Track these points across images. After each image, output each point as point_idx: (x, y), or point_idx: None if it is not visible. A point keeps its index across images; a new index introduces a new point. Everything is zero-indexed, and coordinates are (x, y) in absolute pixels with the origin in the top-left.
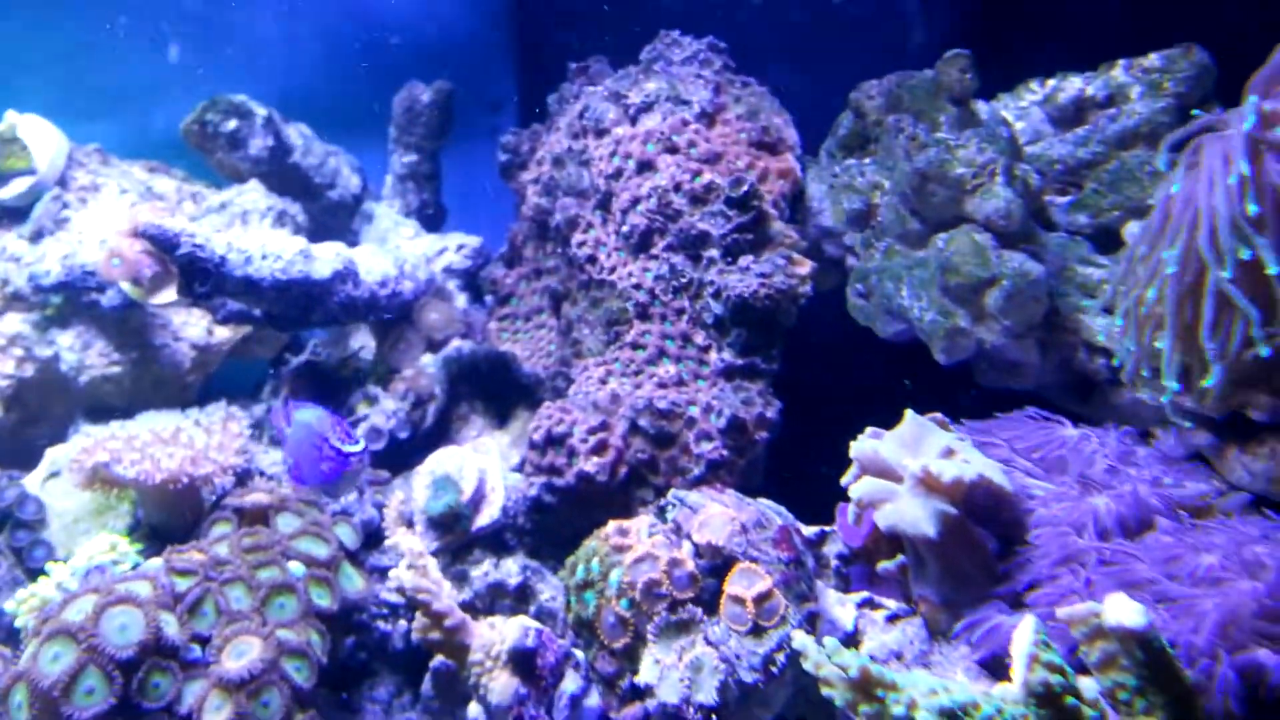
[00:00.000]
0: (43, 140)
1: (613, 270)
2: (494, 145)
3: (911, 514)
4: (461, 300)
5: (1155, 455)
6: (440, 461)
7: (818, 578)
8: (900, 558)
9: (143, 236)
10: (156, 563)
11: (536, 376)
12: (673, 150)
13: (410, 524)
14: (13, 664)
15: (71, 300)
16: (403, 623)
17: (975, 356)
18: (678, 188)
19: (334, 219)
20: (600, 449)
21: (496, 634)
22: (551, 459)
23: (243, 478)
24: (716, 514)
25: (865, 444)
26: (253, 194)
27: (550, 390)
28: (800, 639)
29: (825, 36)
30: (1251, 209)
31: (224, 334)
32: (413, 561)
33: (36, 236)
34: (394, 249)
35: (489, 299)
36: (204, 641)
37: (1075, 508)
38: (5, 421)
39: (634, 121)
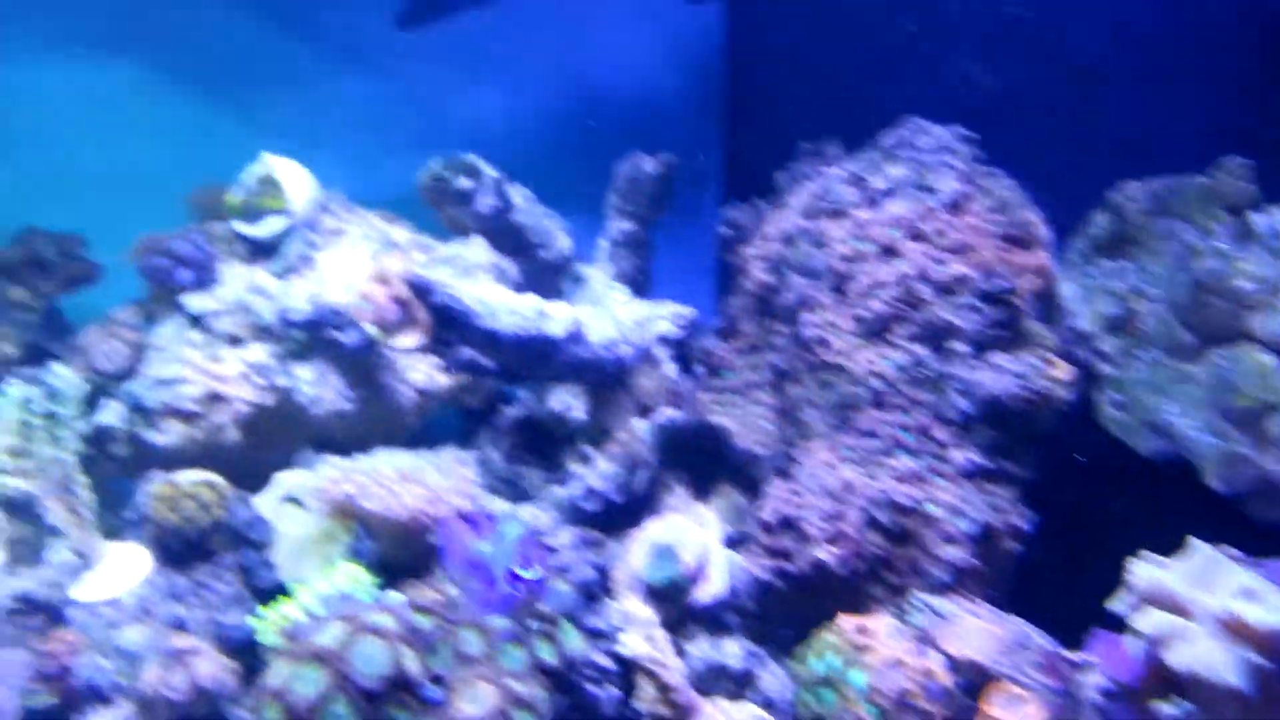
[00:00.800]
0: (296, 184)
1: (845, 354)
2: (698, 217)
3: (1213, 660)
4: (671, 368)
5: None
6: (661, 531)
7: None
8: (1183, 702)
9: (407, 284)
10: (399, 597)
11: (750, 453)
12: (918, 238)
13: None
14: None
15: (314, 337)
16: (612, 688)
17: (1255, 489)
18: (923, 276)
19: (542, 277)
20: (837, 539)
21: (725, 718)
22: (783, 542)
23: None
24: (973, 627)
25: (1147, 572)
26: (477, 249)
27: (770, 470)
28: None
29: (1071, 132)
30: None
31: (444, 380)
32: (646, 631)
33: (285, 274)
34: (611, 313)
35: (699, 369)
36: (437, 681)
37: None
38: (241, 446)
39: (875, 206)
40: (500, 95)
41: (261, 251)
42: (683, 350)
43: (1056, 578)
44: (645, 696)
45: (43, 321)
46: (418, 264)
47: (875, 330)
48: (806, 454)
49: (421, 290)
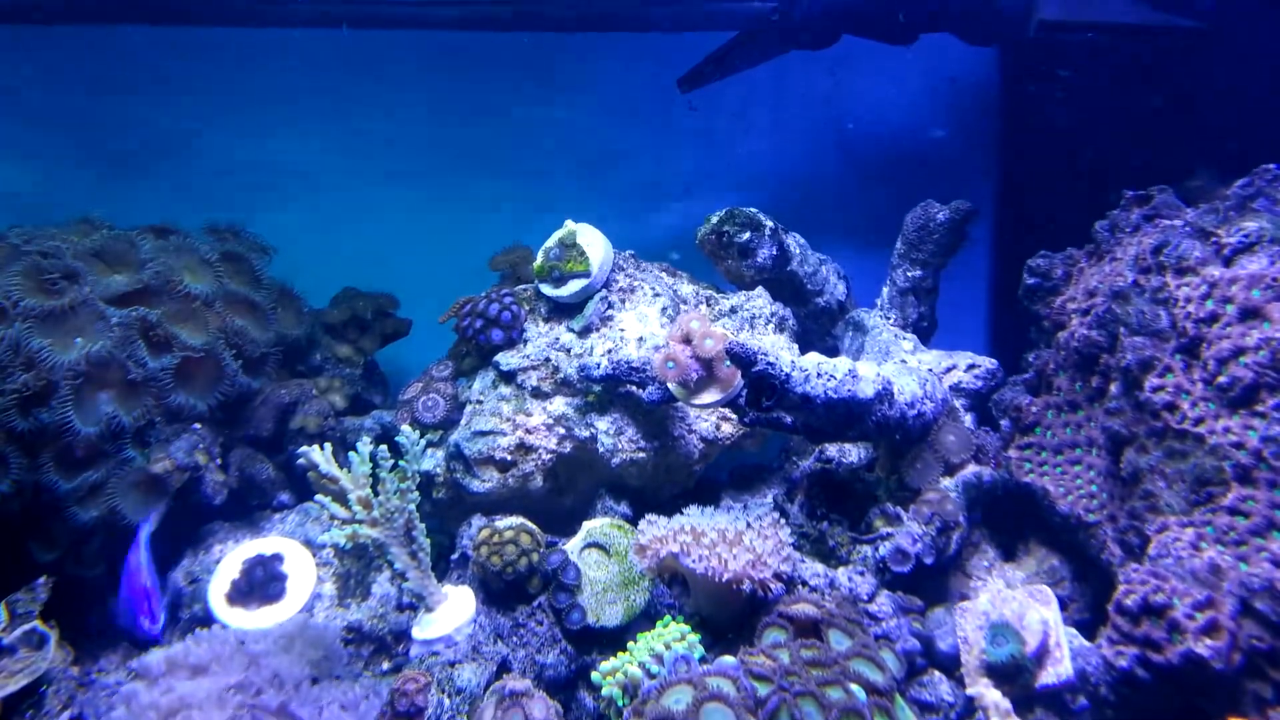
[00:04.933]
0: (594, 246)
1: (1199, 422)
2: (968, 260)
3: None
4: (967, 420)
5: None
6: (997, 604)
7: None
8: None
9: (729, 354)
10: (730, 660)
11: (1076, 516)
12: None
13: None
14: None
15: (610, 390)
16: None
17: None
18: None
19: (817, 323)
20: (1212, 629)
21: None
22: (1148, 630)
23: (790, 585)
24: None
25: None
26: (759, 300)
27: (1113, 541)
28: None
29: None
30: None
31: (728, 429)
32: (1000, 713)
33: (585, 331)
34: (913, 367)
35: (1005, 424)
36: None
37: None
38: (544, 490)
39: (1228, 263)
40: (780, 142)
41: (562, 310)
42: (982, 402)
43: None
44: None
45: (364, 374)
46: (710, 318)
47: (1238, 399)
48: (1161, 529)
49: (743, 360)
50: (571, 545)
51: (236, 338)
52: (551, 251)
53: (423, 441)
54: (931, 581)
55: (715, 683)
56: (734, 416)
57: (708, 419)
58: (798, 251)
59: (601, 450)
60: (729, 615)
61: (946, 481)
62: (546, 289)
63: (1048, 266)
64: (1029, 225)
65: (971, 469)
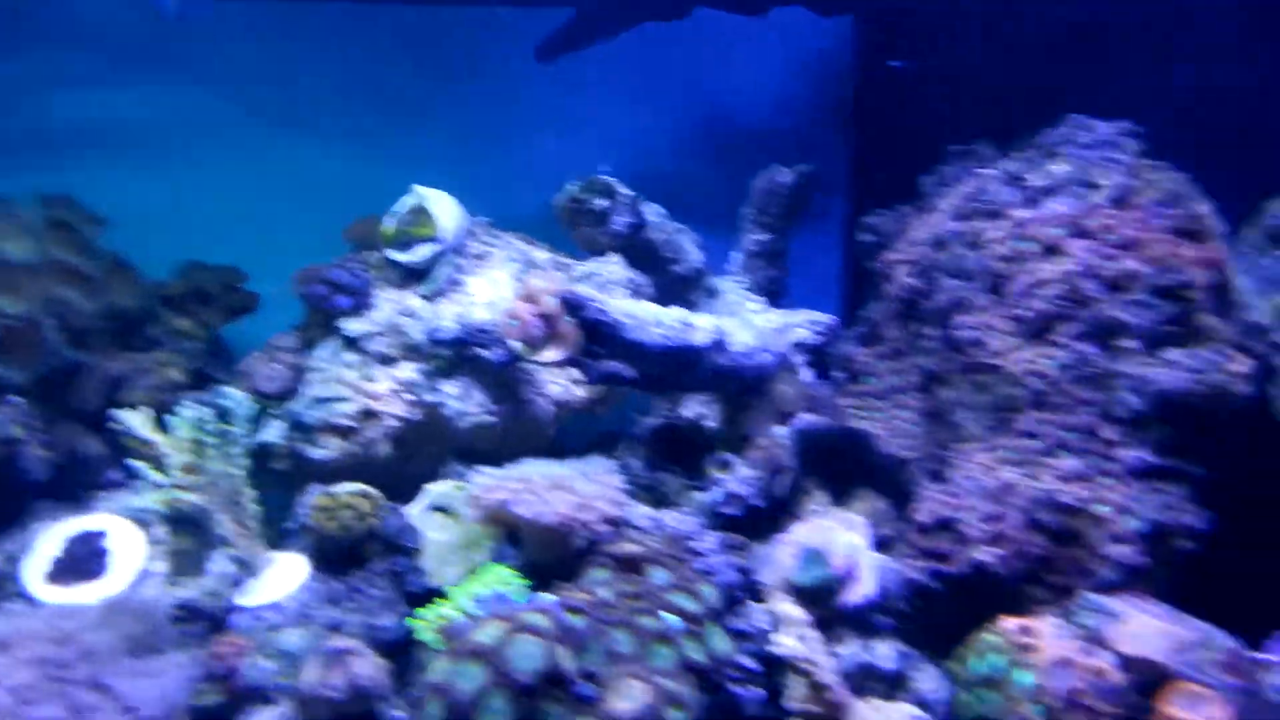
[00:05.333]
0: (445, 211)
1: (1005, 355)
2: (825, 224)
3: None
4: (808, 376)
5: None
6: (808, 534)
7: None
8: None
9: (560, 300)
10: (551, 598)
11: (896, 458)
12: (1083, 235)
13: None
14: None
15: (459, 354)
16: (756, 689)
17: None
18: (1089, 273)
19: (675, 292)
20: (996, 539)
21: (880, 717)
22: (939, 544)
23: (618, 527)
24: (1148, 625)
25: None
26: (614, 266)
27: (922, 473)
28: None
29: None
30: None
31: (580, 393)
32: (799, 631)
33: (434, 296)
34: (749, 322)
35: (838, 375)
36: (590, 678)
37: None
38: (390, 458)
39: (1036, 204)
40: (635, 115)
41: (412, 276)
42: (820, 357)
43: (1234, 578)
44: (797, 695)
45: (208, 350)
46: (560, 282)
47: (1036, 331)
48: (963, 456)
49: (574, 306)
50: (414, 509)
51: (62, 308)
52: (400, 217)
53: (257, 407)
54: (764, 524)
55: (529, 617)
56: (585, 378)
57: (559, 382)
58: (655, 220)
59: (449, 415)
60: (560, 561)
61: (780, 430)
62: (395, 255)
63: (881, 224)
64: (881, 193)
65: (806, 418)
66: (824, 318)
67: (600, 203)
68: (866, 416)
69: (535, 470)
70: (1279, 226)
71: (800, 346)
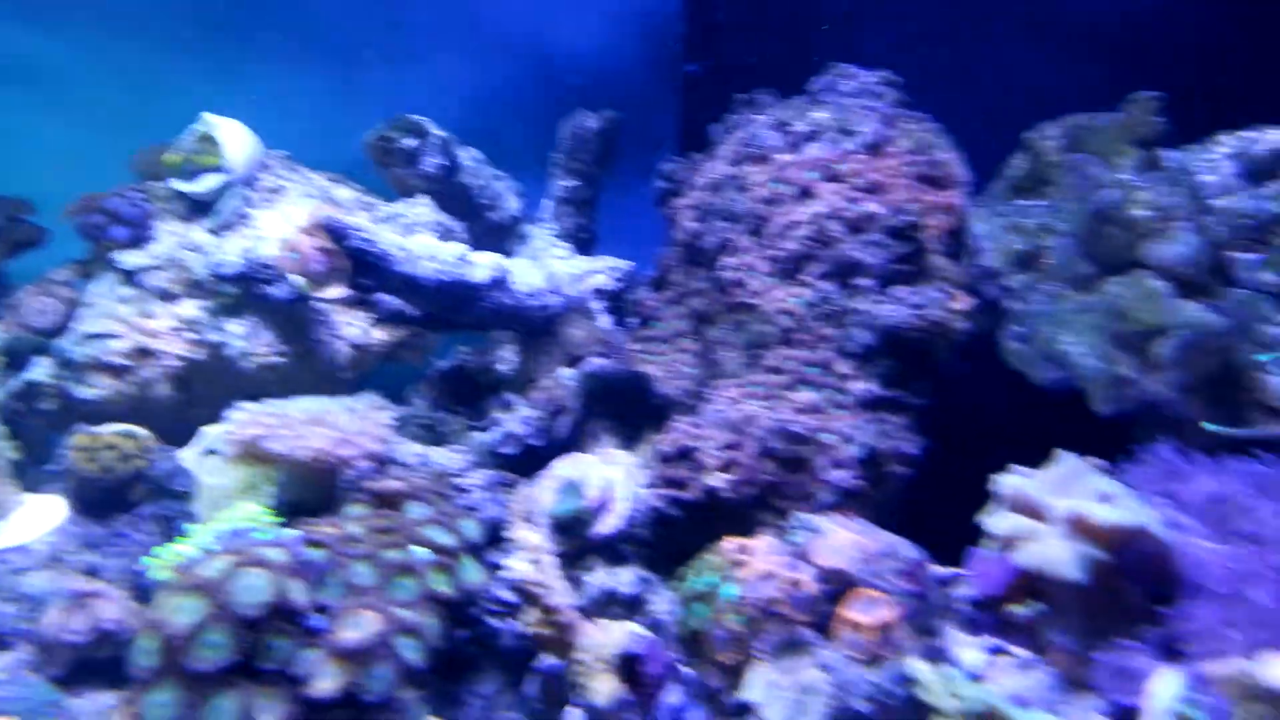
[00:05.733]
0: (235, 141)
1: (761, 294)
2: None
3: (1056, 556)
4: (606, 321)
5: None
6: (569, 468)
7: (945, 621)
8: (1036, 604)
9: (319, 228)
10: (293, 533)
11: (670, 398)
12: (834, 178)
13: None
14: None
15: (245, 291)
16: (515, 621)
17: (1138, 412)
18: (835, 215)
19: (492, 239)
20: (729, 466)
21: (605, 637)
22: (678, 472)
23: (382, 464)
24: (844, 539)
25: (1012, 481)
26: (422, 209)
27: (684, 409)
28: (921, 668)
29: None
30: None
31: (380, 336)
32: (532, 556)
33: (220, 230)
34: (540, 263)
35: (633, 321)
36: (323, 610)
37: (1242, 565)
38: (172, 400)
39: (797, 149)
40: (461, 62)
41: (199, 209)
42: (619, 303)
43: (952, 502)
44: (529, 618)
45: None
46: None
47: (789, 271)
48: (718, 391)
49: (336, 234)
50: (188, 453)
51: None
52: (185, 145)
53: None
54: (542, 463)
55: (259, 551)
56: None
57: (356, 324)
58: (470, 165)
59: (233, 355)
60: (320, 499)
61: (566, 372)
62: (179, 184)
63: (675, 171)
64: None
65: (595, 361)
66: (623, 264)
67: (409, 142)
68: (651, 360)
69: (298, 406)
70: (1019, 178)
71: (599, 292)
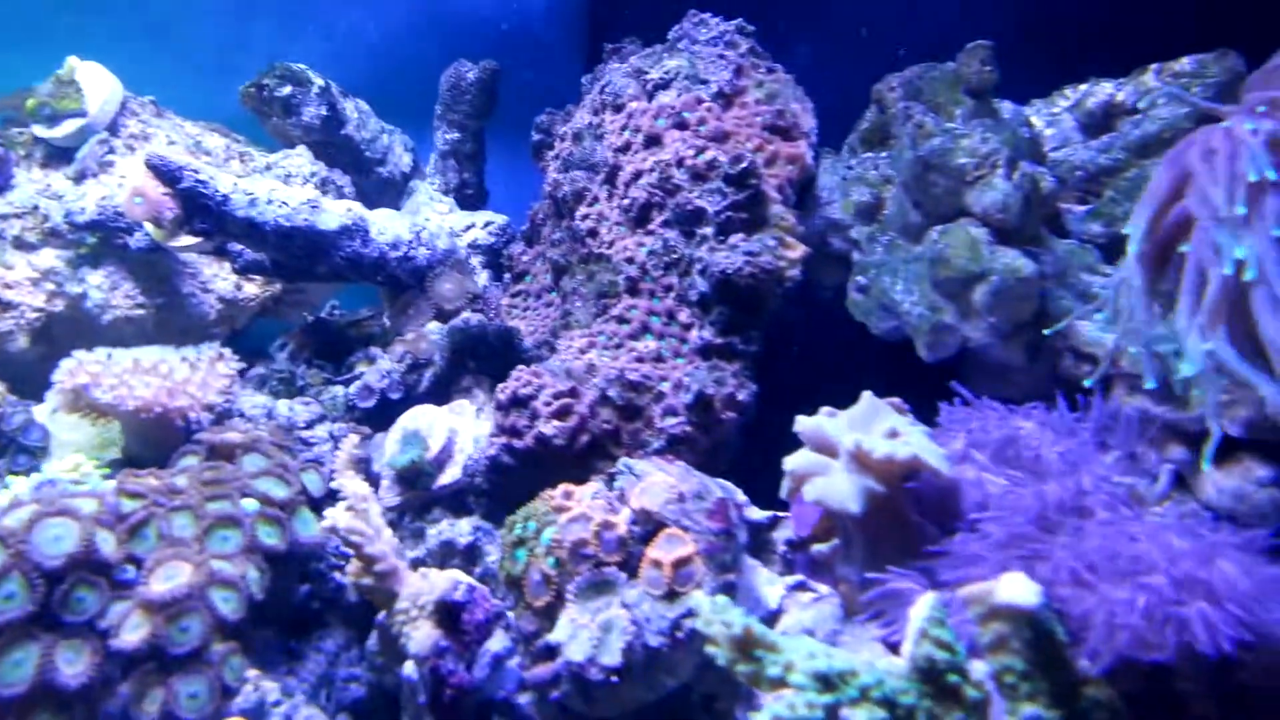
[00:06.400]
0: (97, 85)
1: (612, 244)
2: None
3: (839, 489)
4: (484, 277)
5: (1122, 462)
6: (413, 418)
7: (767, 564)
8: (835, 540)
9: (148, 167)
10: (110, 484)
11: (536, 353)
12: (682, 126)
13: (370, 476)
14: None
15: (104, 240)
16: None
17: (964, 359)
18: (680, 163)
19: (383, 195)
20: (563, 414)
21: (427, 584)
22: (514, 420)
23: (222, 416)
24: (658, 481)
25: (809, 420)
26: (299, 159)
27: (536, 360)
28: (696, 598)
29: (872, 33)
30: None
31: (252, 290)
32: (353, 504)
33: (80, 177)
34: (404, 214)
35: (507, 276)
36: (140, 564)
37: (1013, 496)
38: (31, 354)
39: (651, 98)
40: (358, 10)
41: (61, 155)
42: (498, 258)
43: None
44: (351, 569)
45: None
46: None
47: (637, 219)
48: (567, 341)
49: (166, 176)
50: (42, 408)
51: None
52: (45, 89)
53: None
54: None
55: (68, 501)
56: (258, 276)
57: (226, 277)
58: (355, 117)
59: (92, 307)
60: (160, 452)
61: (433, 326)
62: (39, 130)
63: (548, 122)
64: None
65: (464, 316)
66: (500, 218)
67: (285, 90)
68: (522, 314)
69: (134, 354)
70: (867, 130)
71: (478, 247)
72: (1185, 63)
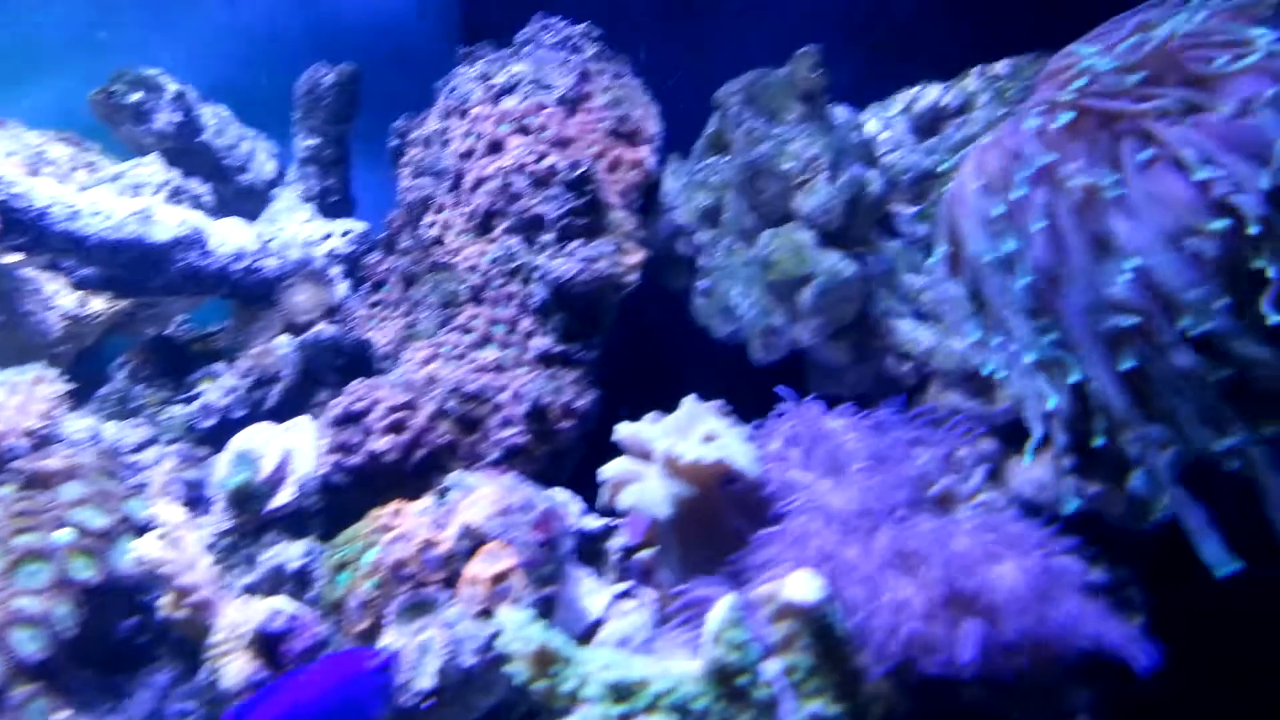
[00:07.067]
0: None
1: (457, 252)
2: None
3: (650, 496)
4: (344, 287)
5: (938, 458)
6: (247, 438)
7: (601, 572)
8: (653, 548)
9: None
10: None
11: (387, 365)
12: (524, 132)
13: (204, 499)
14: None
15: None
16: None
17: (801, 361)
18: (521, 169)
19: (245, 203)
20: (396, 428)
21: (244, 615)
22: (346, 437)
23: (44, 442)
24: (485, 495)
25: (628, 427)
26: (150, 167)
27: (378, 373)
28: (506, 616)
29: (725, 39)
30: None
31: (99, 305)
32: (165, 532)
33: None
34: (274, 227)
35: (365, 285)
36: None
37: (817, 495)
38: None
39: (495, 103)
40: (226, 13)
41: None
42: (356, 266)
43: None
44: (164, 601)
45: None
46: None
47: (480, 227)
48: (410, 352)
49: None
50: None
51: None
52: None
53: None
54: None
55: None
56: (107, 290)
57: (70, 293)
58: (214, 123)
59: None
60: None
61: (282, 339)
62: None
63: (405, 127)
64: None
65: (317, 328)
66: (359, 226)
67: (135, 97)
68: (379, 326)
69: None
70: (713, 135)
71: (337, 257)
72: (1002, 66)
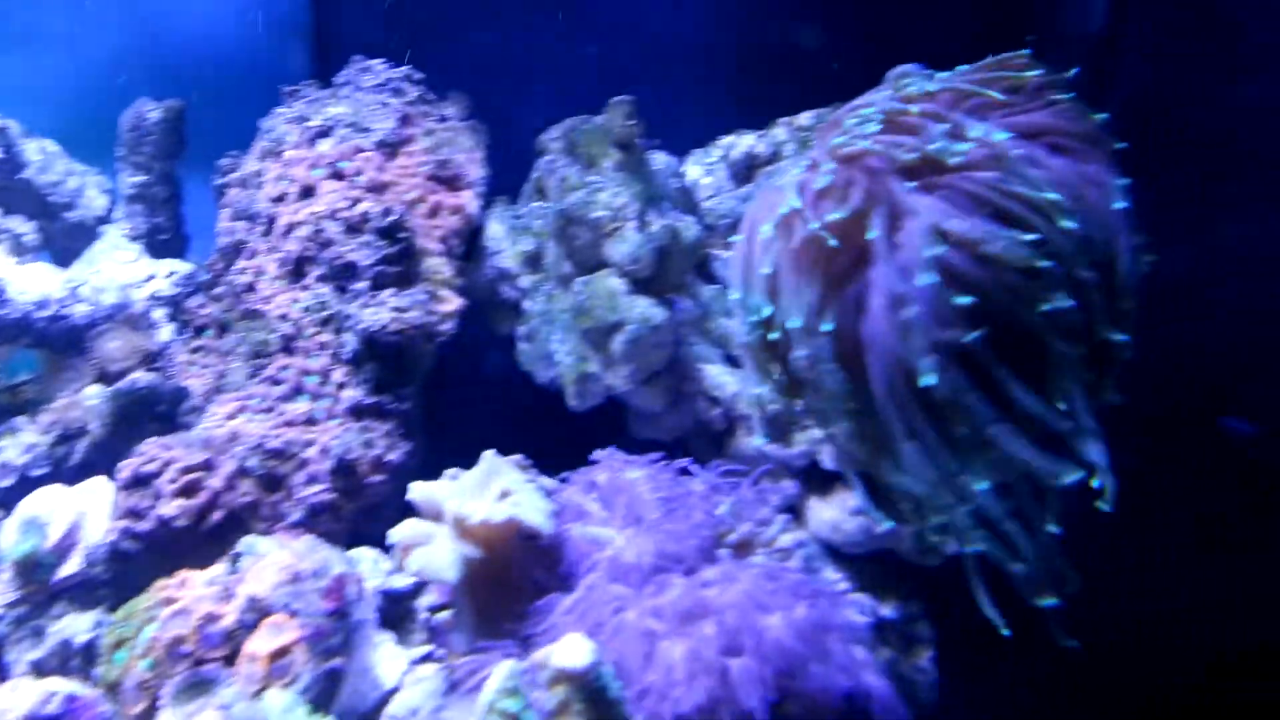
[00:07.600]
0: None
1: (269, 299)
2: None
3: (437, 560)
4: (167, 331)
5: (742, 502)
6: (35, 502)
7: (407, 634)
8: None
9: None
10: None
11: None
12: (339, 177)
13: None
14: None
15: None
16: None
17: (620, 407)
18: (334, 215)
19: (75, 240)
20: (188, 491)
21: (14, 699)
22: (135, 501)
23: None
24: (275, 561)
25: (425, 487)
26: None
27: (184, 427)
28: (267, 701)
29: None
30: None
31: None
32: None
33: None
34: (90, 269)
35: (188, 331)
36: None
37: (607, 551)
38: None
39: (311, 145)
40: (63, 47)
41: None
42: (180, 310)
43: None
44: None
45: None
46: None
47: (292, 274)
48: (215, 406)
49: None
50: None
51: None
52: None
53: None
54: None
55: None
56: None
57: None
58: (39, 159)
59: None
60: None
61: (93, 389)
62: None
63: (230, 165)
64: None
65: (132, 377)
66: (186, 267)
67: None
68: (200, 373)
69: None
70: (540, 179)
71: (160, 300)
72: (806, 117)
